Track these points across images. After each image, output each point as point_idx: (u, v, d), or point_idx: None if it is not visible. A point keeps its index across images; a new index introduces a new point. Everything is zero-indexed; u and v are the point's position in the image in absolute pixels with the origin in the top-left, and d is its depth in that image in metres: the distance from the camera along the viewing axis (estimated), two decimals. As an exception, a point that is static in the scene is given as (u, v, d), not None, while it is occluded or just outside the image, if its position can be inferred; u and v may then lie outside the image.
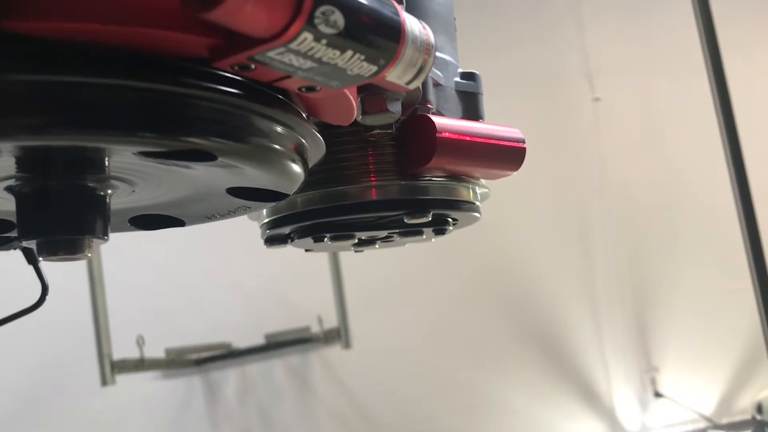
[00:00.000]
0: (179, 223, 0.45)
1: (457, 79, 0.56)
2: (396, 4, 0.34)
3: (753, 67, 2.59)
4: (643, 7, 2.65)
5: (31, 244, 0.37)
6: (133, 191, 0.39)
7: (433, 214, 0.53)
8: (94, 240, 0.37)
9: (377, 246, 0.61)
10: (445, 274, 2.41)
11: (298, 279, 2.24)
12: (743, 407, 2.52)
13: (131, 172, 0.36)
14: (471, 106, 0.56)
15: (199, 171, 0.36)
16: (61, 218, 0.36)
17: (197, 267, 2.20)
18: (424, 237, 0.59)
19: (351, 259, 2.17)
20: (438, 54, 0.53)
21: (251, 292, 2.23)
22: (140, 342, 1.92)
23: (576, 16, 2.63)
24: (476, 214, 0.57)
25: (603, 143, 2.60)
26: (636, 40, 2.64)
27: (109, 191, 0.37)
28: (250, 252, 2.17)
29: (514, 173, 0.57)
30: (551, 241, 2.53)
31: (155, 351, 2.00)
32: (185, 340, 2.12)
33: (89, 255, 0.36)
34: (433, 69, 0.52)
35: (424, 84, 0.50)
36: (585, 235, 2.57)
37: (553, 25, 2.64)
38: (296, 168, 0.38)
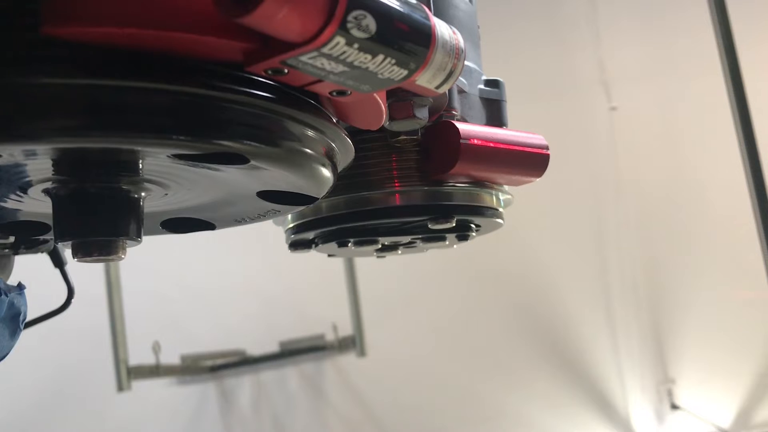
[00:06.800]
0: (210, 226, 0.46)
1: (481, 86, 0.56)
2: (426, 9, 0.34)
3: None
4: (659, 15, 2.64)
5: (67, 246, 0.37)
6: (166, 194, 0.40)
7: (456, 220, 0.53)
8: (128, 242, 0.37)
9: (400, 252, 0.61)
10: (459, 283, 2.40)
11: (313, 287, 2.25)
12: (762, 420, 2.49)
13: (165, 175, 0.37)
14: (495, 113, 0.56)
15: (231, 174, 0.36)
16: (97, 220, 0.36)
17: (213, 275, 2.21)
18: (447, 243, 0.59)
19: (366, 267, 2.17)
20: (462, 61, 0.53)
21: (266, 299, 2.24)
22: (156, 348, 1.93)
23: (592, 25, 2.62)
24: (499, 221, 0.57)
25: (619, 152, 2.59)
26: (652, 48, 2.63)
27: (143, 194, 0.38)
28: (265, 260, 2.19)
29: (537, 180, 0.57)
30: (567, 250, 2.52)
31: (171, 357, 2.01)
32: (200, 347, 2.12)
33: (123, 257, 0.37)
34: (458, 76, 0.52)
35: (449, 91, 0.50)
36: (601, 245, 2.56)
37: (569, 33, 2.64)
38: (326, 172, 0.38)
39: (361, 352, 2.17)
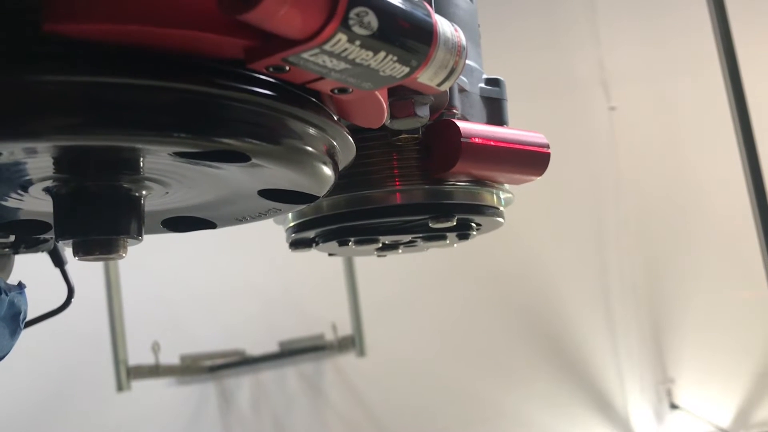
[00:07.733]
0: (210, 225, 0.46)
1: (482, 85, 0.56)
2: (428, 6, 0.34)
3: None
4: (659, 15, 2.64)
5: (67, 244, 0.37)
6: (167, 193, 0.40)
7: (457, 219, 0.53)
8: (129, 240, 0.37)
9: (400, 251, 0.61)
10: (459, 283, 2.40)
11: (312, 287, 2.24)
12: (761, 419, 2.49)
13: (165, 173, 0.37)
14: (495, 112, 0.56)
15: (232, 172, 0.36)
16: (97, 219, 0.36)
17: (212, 275, 2.21)
18: (448, 242, 0.59)
19: (366, 267, 2.17)
20: (463, 59, 0.53)
21: (265, 299, 2.24)
22: (156, 348, 1.93)
23: (591, 24, 2.63)
24: (500, 219, 0.57)
25: (619, 152, 2.59)
26: (651, 48, 2.63)
27: (144, 192, 0.38)
28: (264, 260, 2.18)
29: (538, 178, 0.56)
30: (567, 250, 2.52)
31: (170, 357, 2.01)
32: (200, 347, 2.12)
33: (124, 255, 0.37)
34: (459, 74, 0.52)
35: (450, 89, 0.50)
36: (600, 245, 2.56)
37: (569, 33, 2.64)
38: (327, 170, 0.38)
39: (361, 352, 2.17)
